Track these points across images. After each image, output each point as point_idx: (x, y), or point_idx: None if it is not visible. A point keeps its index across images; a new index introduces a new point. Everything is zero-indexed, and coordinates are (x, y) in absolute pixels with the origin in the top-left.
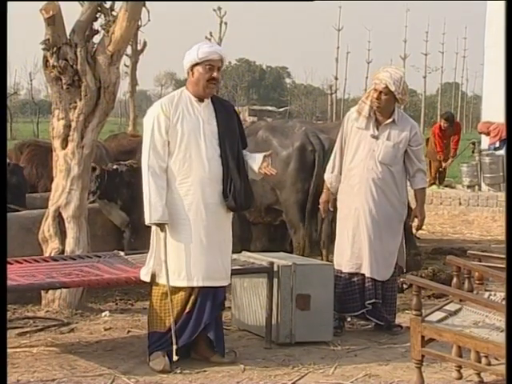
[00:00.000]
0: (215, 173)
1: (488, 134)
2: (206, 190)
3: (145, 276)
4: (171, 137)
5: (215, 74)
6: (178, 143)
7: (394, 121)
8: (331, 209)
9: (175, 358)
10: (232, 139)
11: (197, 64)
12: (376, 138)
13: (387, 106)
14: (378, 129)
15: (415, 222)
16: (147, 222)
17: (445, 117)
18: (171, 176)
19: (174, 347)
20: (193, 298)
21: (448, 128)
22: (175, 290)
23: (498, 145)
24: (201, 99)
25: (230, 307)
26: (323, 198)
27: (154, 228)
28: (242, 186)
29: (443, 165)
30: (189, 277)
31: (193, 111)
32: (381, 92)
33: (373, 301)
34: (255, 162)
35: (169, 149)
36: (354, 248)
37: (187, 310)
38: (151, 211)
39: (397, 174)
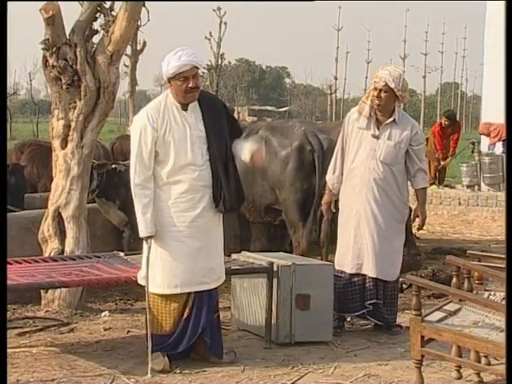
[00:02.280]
0: (205, 178)
1: (488, 135)
2: (197, 196)
3: (141, 280)
4: (159, 147)
5: (191, 84)
6: (167, 153)
7: (394, 120)
8: (333, 210)
9: (150, 367)
10: (220, 141)
11: (171, 78)
12: (377, 137)
13: (387, 104)
14: (378, 128)
15: (416, 222)
16: (141, 235)
17: (446, 114)
18: (162, 185)
19: (149, 358)
20: (190, 303)
21: (449, 126)
22: (171, 297)
23: (501, 148)
24: (186, 105)
25: (229, 307)
26: (325, 199)
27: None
28: (232, 188)
29: (442, 163)
30: (183, 283)
31: (180, 119)
32: (381, 90)
33: (373, 301)
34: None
35: (158, 158)
36: (355, 248)
37: (185, 315)
38: (140, 225)
39: (398, 174)
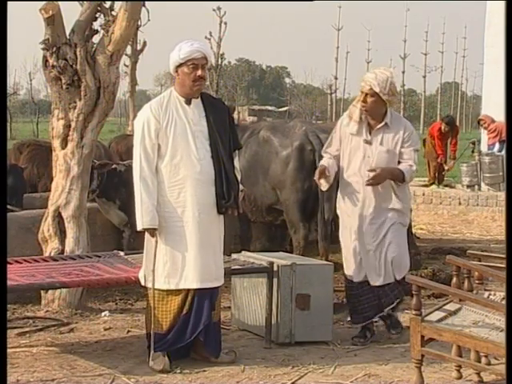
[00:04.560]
0: (207, 174)
1: (485, 128)
2: (199, 192)
3: (141, 278)
4: (161, 140)
5: (200, 73)
6: (168, 146)
7: (386, 124)
8: (328, 174)
9: (151, 363)
10: (223, 138)
11: (180, 65)
12: (369, 143)
13: (376, 108)
14: (370, 133)
15: (371, 173)
16: (139, 227)
17: (446, 121)
18: (163, 179)
19: (152, 352)
20: (189, 299)
21: (448, 131)
22: (172, 292)
23: (498, 146)
24: (189, 99)
25: (229, 307)
26: (317, 172)
27: (146, 233)
28: (236, 185)
29: (445, 167)
30: (186, 279)
31: (182, 113)
32: (367, 94)
33: (392, 306)
34: None
35: (159, 152)
36: (360, 256)
37: (184, 311)
38: (142, 216)
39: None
